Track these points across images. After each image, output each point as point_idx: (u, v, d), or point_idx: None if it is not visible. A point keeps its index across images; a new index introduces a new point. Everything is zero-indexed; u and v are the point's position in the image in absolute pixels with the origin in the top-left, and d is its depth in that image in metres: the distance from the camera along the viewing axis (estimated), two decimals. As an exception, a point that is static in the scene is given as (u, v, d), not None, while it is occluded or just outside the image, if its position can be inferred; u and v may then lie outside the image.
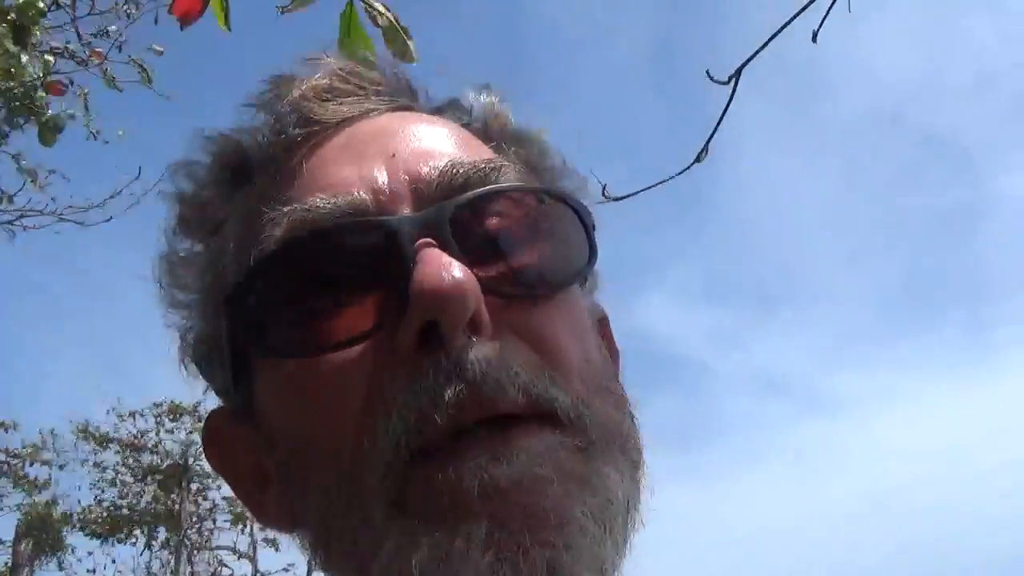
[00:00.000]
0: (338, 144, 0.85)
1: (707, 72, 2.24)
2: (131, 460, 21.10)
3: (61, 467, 21.55)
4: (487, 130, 0.93)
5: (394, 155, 0.82)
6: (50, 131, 5.53)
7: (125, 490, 21.48)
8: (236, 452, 0.89)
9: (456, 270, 0.71)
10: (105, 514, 21.30)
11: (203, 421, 0.96)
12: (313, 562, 0.82)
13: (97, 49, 5.97)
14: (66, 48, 5.85)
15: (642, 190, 2.35)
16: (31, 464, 21.40)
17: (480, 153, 0.86)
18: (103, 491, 21.55)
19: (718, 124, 2.21)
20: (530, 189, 0.84)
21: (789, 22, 2.09)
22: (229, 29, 1.94)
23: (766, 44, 2.14)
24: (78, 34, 5.87)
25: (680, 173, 2.26)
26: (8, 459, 21.24)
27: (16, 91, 5.33)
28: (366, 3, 1.79)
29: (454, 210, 0.76)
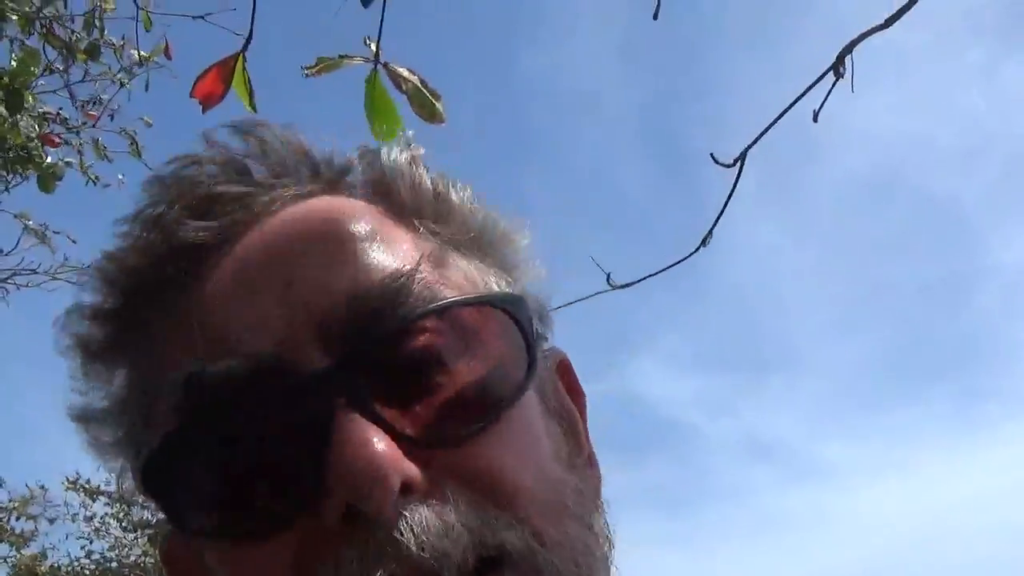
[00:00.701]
0: (228, 274, 0.74)
1: (711, 155, 2.21)
2: (121, 514, 20.89)
3: (51, 521, 21.15)
4: (396, 202, 0.82)
5: (291, 284, 0.71)
6: (50, 178, 5.57)
7: (115, 543, 21.24)
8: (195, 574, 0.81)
9: (376, 446, 0.64)
10: (94, 567, 21.09)
11: (159, 544, 0.90)
12: None
13: (91, 112, 6.01)
14: (58, 114, 5.88)
15: (645, 277, 2.32)
16: (18, 518, 21.15)
17: (393, 252, 0.75)
18: (92, 543, 21.31)
19: (724, 207, 2.15)
20: (446, 306, 0.72)
21: (793, 104, 2.11)
22: (255, 110, 1.90)
23: (770, 126, 2.14)
24: (72, 98, 5.91)
25: (685, 259, 2.21)
26: (-5, 513, 20.99)
27: (11, 149, 5.35)
28: (390, 69, 1.76)
29: (365, 354, 0.69)
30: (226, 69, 1.85)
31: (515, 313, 0.75)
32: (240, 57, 1.86)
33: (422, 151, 0.86)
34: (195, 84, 1.91)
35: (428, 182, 0.84)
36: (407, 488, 0.65)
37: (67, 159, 5.78)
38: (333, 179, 0.83)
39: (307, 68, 1.79)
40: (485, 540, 0.66)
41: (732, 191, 2.24)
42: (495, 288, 0.81)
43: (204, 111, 1.93)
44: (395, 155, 0.84)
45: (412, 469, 0.66)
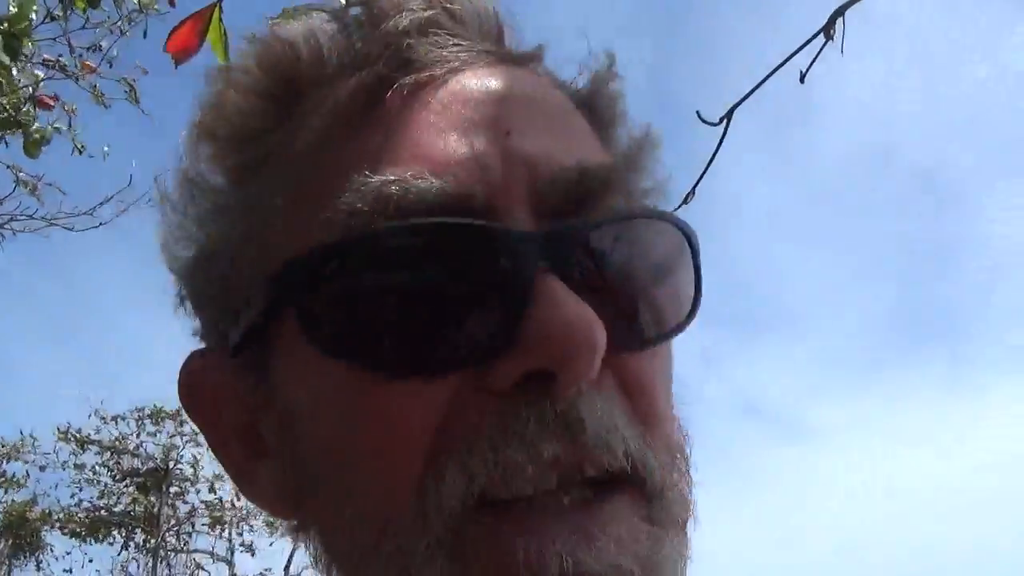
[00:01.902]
0: (440, 102, 0.69)
1: (697, 113, 2.18)
2: (112, 462, 21.09)
3: (41, 468, 21.53)
4: (593, 106, 0.79)
5: (509, 133, 0.67)
6: (36, 144, 5.57)
7: (104, 491, 21.46)
8: (221, 405, 0.77)
9: (589, 319, 0.61)
10: (84, 515, 21.29)
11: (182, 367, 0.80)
12: (316, 563, 0.73)
13: (88, 62, 6.06)
14: (58, 61, 5.94)
15: None
16: (8, 461, 21.39)
17: (595, 145, 0.74)
18: (82, 490, 21.53)
19: (707, 167, 2.14)
20: (667, 216, 0.72)
21: (780, 66, 2.10)
22: (228, 61, 1.93)
23: (757, 87, 2.13)
24: (70, 47, 5.96)
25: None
26: (-14, 456, 21.22)
27: (4, 104, 5.39)
28: None
29: (584, 236, 0.66)
30: (201, 21, 1.82)
31: (695, 247, 0.73)
32: (216, 8, 1.84)
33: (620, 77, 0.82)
34: (168, 38, 1.90)
35: (621, 95, 0.81)
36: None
37: (56, 124, 5.81)
38: (528, 52, 0.79)
39: (273, 18, 1.75)
40: (639, 456, 0.64)
41: (717, 149, 2.20)
42: None
43: (177, 65, 1.92)
44: (597, 58, 0.81)
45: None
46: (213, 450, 0.79)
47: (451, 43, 0.72)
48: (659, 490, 0.65)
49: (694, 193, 2.29)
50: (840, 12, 2.12)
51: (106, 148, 6.63)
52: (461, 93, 0.69)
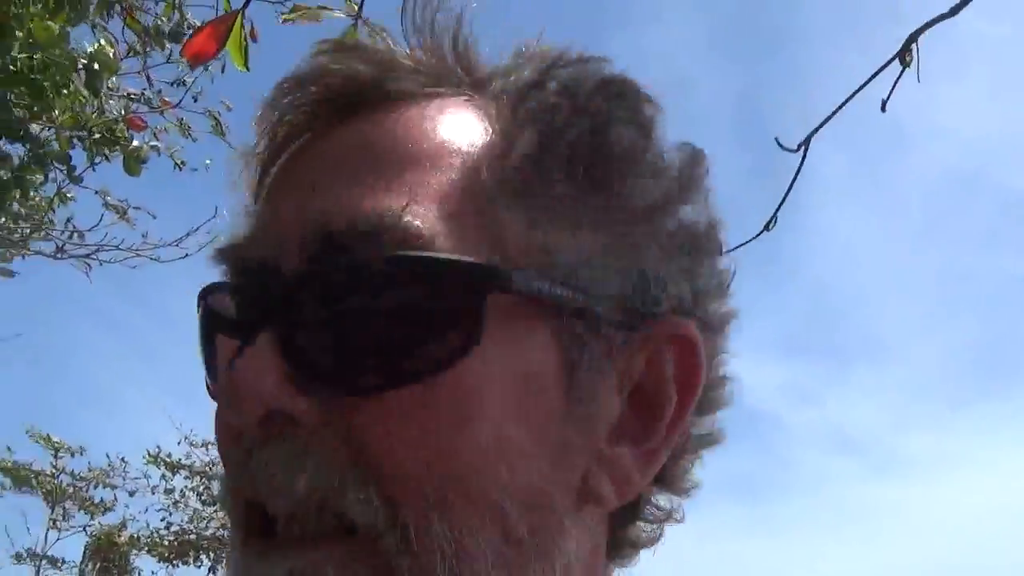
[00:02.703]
0: (283, 170, 0.79)
1: (776, 140, 2.26)
2: (201, 487, 21.34)
3: (131, 493, 21.89)
4: (513, 108, 0.74)
5: (314, 188, 0.71)
6: (135, 161, 5.62)
7: (194, 516, 21.68)
8: None
9: (256, 369, 0.64)
10: (173, 538, 21.52)
11: None
12: None
13: (165, 98, 6.05)
14: (142, 94, 5.95)
15: None
16: (96, 486, 21.76)
17: (420, 182, 0.69)
18: (171, 515, 21.80)
19: (787, 194, 2.19)
20: (407, 259, 0.66)
21: (856, 92, 2.13)
22: (248, 69, 1.92)
23: (834, 113, 2.16)
24: (149, 81, 5.94)
25: (747, 242, 2.20)
26: (75, 482, 21.56)
27: (97, 127, 5.45)
28: (370, 27, 1.64)
29: (293, 284, 0.67)
30: (221, 28, 1.83)
31: (460, 291, 0.66)
32: (239, 15, 1.84)
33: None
34: (185, 43, 1.89)
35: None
36: (288, 419, 0.65)
37: (152, 143, 5.84)
38: (473, 79, 0.78)
39: (285, 15, 1.78)
40: (329, 503, 0.63)
41: (796, 175, 2.27)
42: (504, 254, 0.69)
43: (192, 68, 1.92)
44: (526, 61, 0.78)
45: (293, 403, 0.65)
46: None
47: (329, 102, 0.76)
48: (377, 536, 0.63)
49: (775, 220, 2.32)
50: (913, 38, 2.13)
51: (208, 161, 6.59)
52: (312, 153, 0.75)
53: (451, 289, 0.66)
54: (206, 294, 0.75)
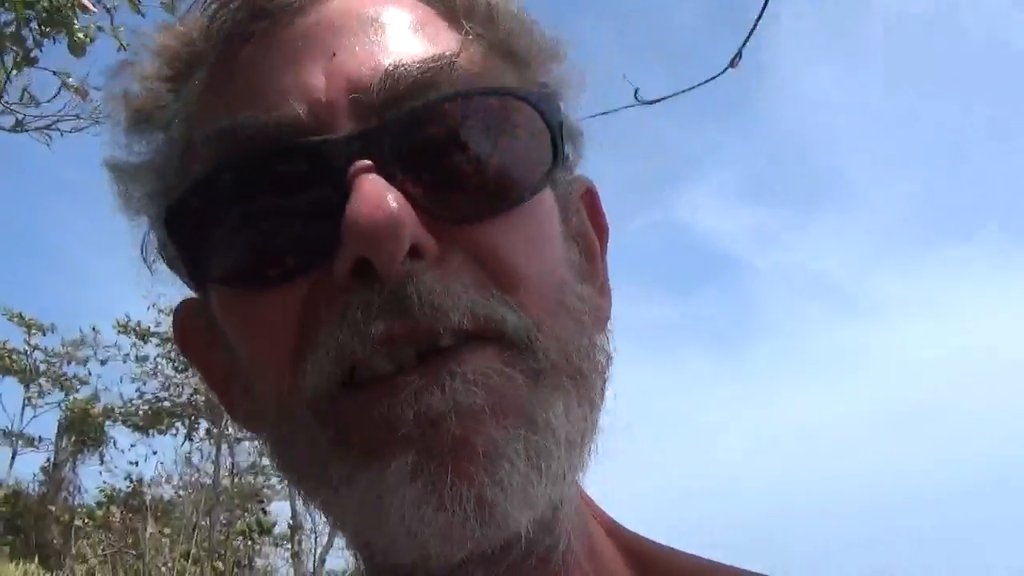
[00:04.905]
0: (280, 43, 0.78)
1: None
2: (172, 354, 21.09)
3: (103, 362, 22.21)
4: (450, 5, 0.83)
5: (334, 55, 0.76)
6: (80, 43, 5.77)
7: (166, 383, 21.71)
8: (205, 348, 0.88)
9: (391, 202, 0.68)
10: (147, 407, 21.61)
11: (173, 320, 0.94)
12: (272, 465, 0.85)
13: None
14: None
15: (673, 95, 2.59)
16: (69, 363, 22.18)
17: (436, 42, 0.79)
18: (144, 384, 21.89)
19: (750, 33, 2.48)
20: (479, 92, 0.76)
21: None
22: None
23: None
24: None
25: (712, 79, 2.48)
26: (48, 358, 21.93)
27: (45, 6, 5.57)
28: None
29: (394, 125, 0.73)
30: None
31: (545, 111, 0.78)
32: None
33: None
34: None
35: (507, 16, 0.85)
36: (416, 251, 0.70)
37: (99, 24, 6.01)
38: None
39: None
40: (485, 311, 0.71)
41: (760, 16, 2.49)
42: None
43: None
44: None
45: (424, 235, 0.70)
46: (210, 388, 0.93)
47: None
48: (524, 339, 0.72)
49: (740, 56, 2.54)
50: None
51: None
52: (298, 31, 0.78)
53: (536, 119, 0.78)
54: (233, 168, 0.75)
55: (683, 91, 2.58)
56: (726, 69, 2.52)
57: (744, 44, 2.48)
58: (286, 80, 0.75)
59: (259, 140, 0.73)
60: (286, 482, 0.85)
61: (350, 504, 0.70)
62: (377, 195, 0.68)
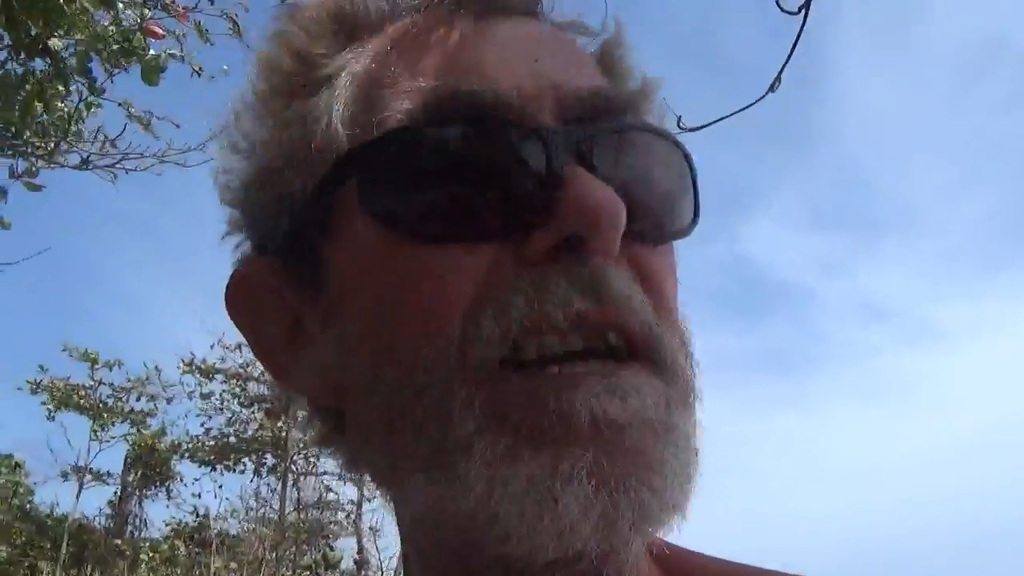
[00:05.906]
0: (478, 32, 0.84)
1: (776, 2, 2.29)
2: (237, 390, 21.55)
3: (168, 400, 22.24)
4: (604, 60, 0.93)
5: (537, 60, 0.81)
6: (153, 71, 5.66)
7: (232, 419, 21.94)
8: (265, 304, 0.89)
9: (616, 198, 0.72)
10: (212, 442, 21.87)
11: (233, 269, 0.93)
12: (358, 443, 0.84)
13: (180, 5, 5.93)
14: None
15: (716, 120, 2.39)
16: (137, 398, 22.17)
17: (603, 80, 0.88)
18: (210, 418, 22.07)
19: (790, 55, 2.24)
20: (668, 134, 0.85)
21: None
22: None
23: None
24: None
25: (754, 103, 2.28)
26: (114, 393, 21.97)
27: (115, 37, 5.49)
28: None
29: (603, 134, 0.78)
30: None
31: (695, 176, 0.86)
32: None
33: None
34: None
35: (629, 56, 0.95)
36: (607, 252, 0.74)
37: (170, 51, 5.89)
38: (557, 19, 0.93)
39: None
40: (656, 331, 0.75)
41: (797, 38, 2.33)
42: None
43: None
44: (608, 24, 0.95)
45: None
46: (253, 348, 0.93)
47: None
48: (671, 368, 0.76)
49: (780, 81, 2.40)
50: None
51: (225, 67, 6.49)
52: (495, 31, 0.84)
53: (687, 170, 0.86)
54: (452, 102, 0.78)
55: (724, 117, 2.48)
56: (766, 94, 2.45)
57: (782, 69, 2.41)
58: (495, 65, 0.80)
59: (474, 106, 0.77)
60: (360, 452, 0.85)
61: (506, 482, 0.68)
62: (603, 188, 0.72)
